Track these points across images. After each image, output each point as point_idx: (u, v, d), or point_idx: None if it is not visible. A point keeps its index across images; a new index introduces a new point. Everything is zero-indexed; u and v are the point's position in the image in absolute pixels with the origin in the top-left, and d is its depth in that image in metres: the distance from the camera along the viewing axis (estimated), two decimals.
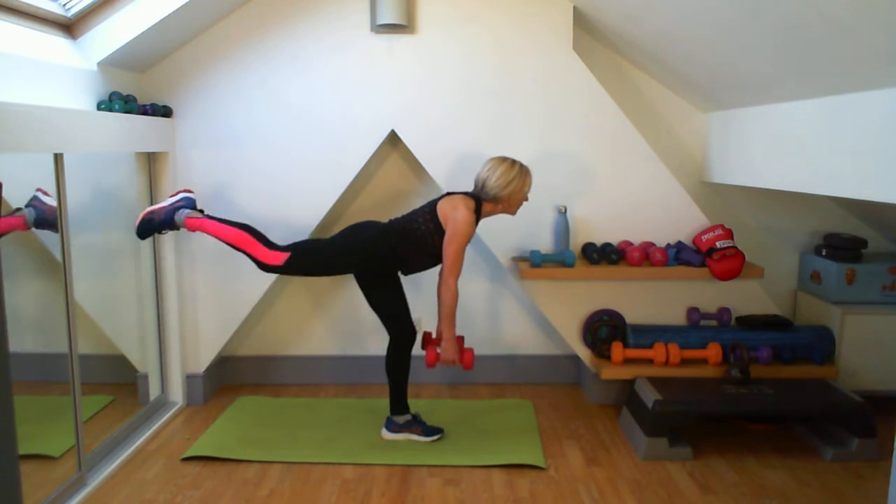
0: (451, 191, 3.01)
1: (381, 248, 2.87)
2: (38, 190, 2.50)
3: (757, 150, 3.07)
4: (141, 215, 2.90)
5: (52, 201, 2.50)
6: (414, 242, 2.86)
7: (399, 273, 2.98)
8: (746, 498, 2.58)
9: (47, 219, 2.51)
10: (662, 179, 3.40)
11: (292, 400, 3.54)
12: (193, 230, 2.90)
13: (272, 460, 2.87)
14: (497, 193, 2.85)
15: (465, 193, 2.90)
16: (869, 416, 2.87)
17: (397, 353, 3.02)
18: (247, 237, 2.86)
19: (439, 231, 2.83)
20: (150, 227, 2.90)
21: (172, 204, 2.93)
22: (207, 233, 2.88)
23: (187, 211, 2.91)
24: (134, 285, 3.32)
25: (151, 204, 3.27)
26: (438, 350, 2.93)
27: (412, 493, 2.63)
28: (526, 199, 2.95)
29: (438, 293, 2.90)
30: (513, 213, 2.97)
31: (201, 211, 2.96)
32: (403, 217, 2.95)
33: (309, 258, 2.91)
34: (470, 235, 2.82)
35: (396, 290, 2.98)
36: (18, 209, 2.46)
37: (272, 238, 2.95)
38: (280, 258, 2.85)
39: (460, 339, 3.01)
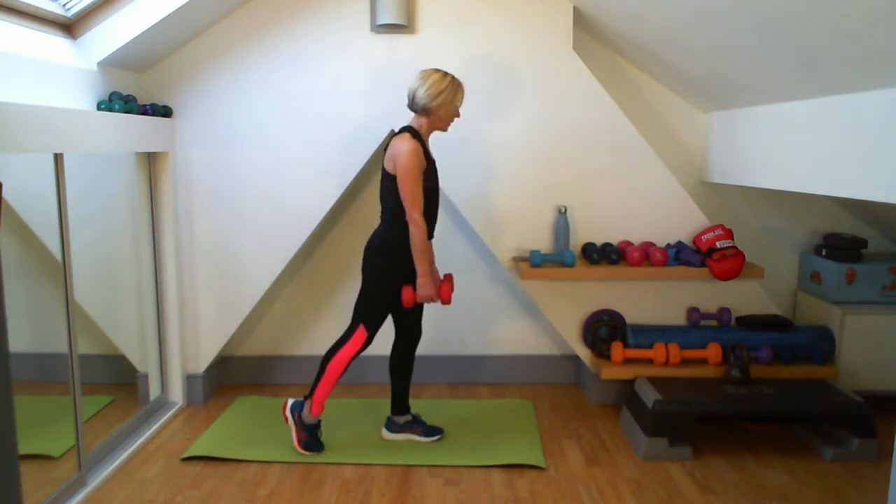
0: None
1: (396, 246, 2.79)
2: None
3: (757, 150, 3.07)
4: (303, 451, 2.91)
5: None
6: (399, 211, 2.75)
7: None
8: (746, 498, 2.58)
9: None
10: (662, 179, 3.40)
11: None
12: (322, 406, 2.90)
13: (272, 460, 2.87)
14: (426, 104, 2.73)
15: (398, 131, 2.81)
16: (869, 416, 2.87)
17: (403, 354, 3.02)
18: (335, 360, 2.86)
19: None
20: (312, 444, 2.92)
21: (296, 422, 2.93)
22: (326, 395, 2.89)
23: (301, 405, 2.93)
24: (134, 285, 3.32)
25: (151, 204, 3.27)
26: (416, 289, 2.81)
27: (412, 493, 2.63)
28: (457, 115, 2.84)
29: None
30: (444, 128, 2.85)
31: (305, 396, 2.94)
32: (381, 204, 2.87)
33: (370, 310, 2.86)
34: (419, 163, 2.69)
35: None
36: None
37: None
38: (361, 335, 2.85)
39: (447, 277, 2.92)
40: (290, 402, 2.96)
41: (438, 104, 2.74)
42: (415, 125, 2.80)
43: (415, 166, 2.68)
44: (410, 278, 2.79)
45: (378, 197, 2.87)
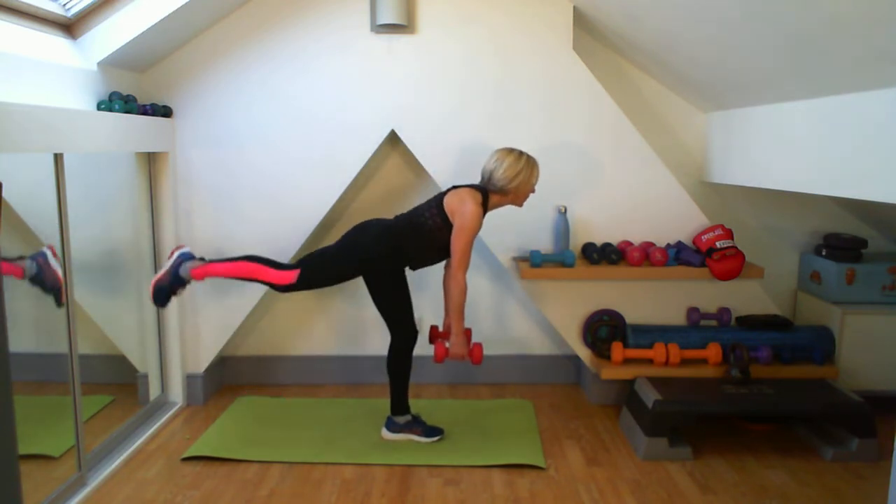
0: (457, 184, 3.00)
1: (389, 244, 2.86)
2: (49, 247, 2.50)
3: (757, 150, 3.07)
4: (150, 287, 2.91)
5: (57, 266, 2.50)
6: (421, 237, 2.86)
7: (406, 269, 2.97)
8: (746, 498, 2.58)
9: (46, 282, 2.50)
10: (662, 179, 3.40)
11: (292, 400, 3.54)
12: (202, 279, 2.91)
13: (272, 460, 2.87)
14: (504, 185, 2.84)
15: (472, 186, 2.89)
16: (869, 416, 2.87)
17: (399, 354, 3.02)
18: (254, 266, 2.87)
19: (447, 225, 2.83)
20: (163, 293, 2.91)
21: (172, 264, 2.93)
22: (216, 275, 2.90)
23: (189, 263, 2.92)
24: (134, 285, 3.32)
25: (151, 204, 3.27)
26: (447, 345, 2.92)
27: (412, 493, 2.63)
28: (533, 191, 2.95)
29: (445, 287, 2.90)
30: (520, 204, 2.96)
31: (202, 259, 2.96)
32: (409, 212, 2.95)
33: (320, 268, 2.90)
34: (478, 228, 2.81)
35: (402, 289, 2.97)
36: (21, 258, 2.46)
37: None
38: (291, 276, 2.85)
39: (468, 333, 3.01)
40: (186, 250, 2.97)
41: (516, 185, 2.84)
42: (489, 194, 2.88)
43: (473, 229, 2.79)
44: (393, 277, 2.89)
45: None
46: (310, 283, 2.91)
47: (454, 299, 2.84)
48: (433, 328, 3.13)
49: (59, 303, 2.53)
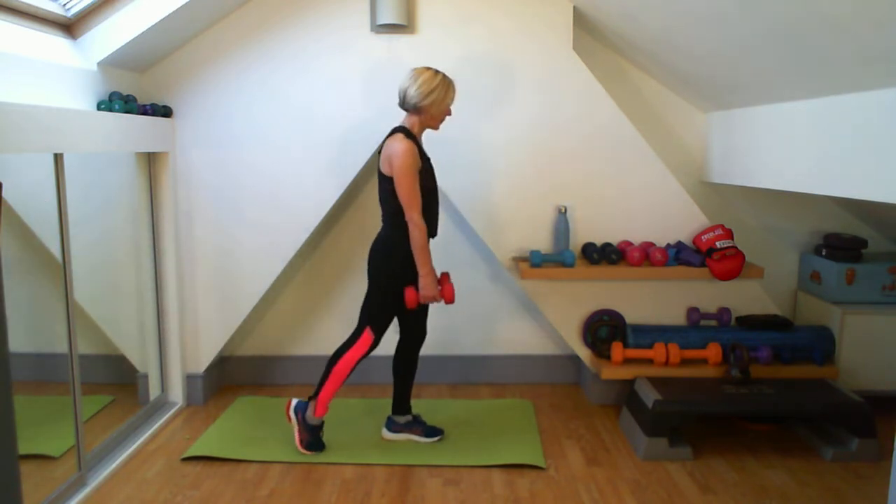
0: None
1: (399, 246, 2.77)
2: None
3: (757, 150, 3.07)
4: (302, 450, 2.91)
5: None
6: (399, 213, 2.74)
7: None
8: (746, 498, 2.58)
9: None
10: (662, 179, 3.40)
11: None
12: (326, 408, 2.89)
13: (272, 460, 2.87)
14: (417, 102, 2.72)
15: (390, 132, 2.80)
16: (869, 416, 2.87)
17: (408, 353, 3.02)
18: (341, 362, 2.86)
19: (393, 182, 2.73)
20: (313, 443, 2.92)
21: (299, 422, 2.92)
22: (330, 397, 2.88)
23: (304, 405, 2.92)
24: (134, 285, 3.32)
25: (151, 204, 3.27)
26: (419, 290, 2.80)
27: (412, 493, 2.63)
28: (449, 114, 2.84)
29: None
30: (436, 127, 2.85)
31: (310, 397, 2.93)
32: (381, 207, 2.86)
33: (379, 312, 2.85)
34: (414, 162, 2.67)
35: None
36: None
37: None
38: (368, 338, 2.84)
39: (445, 276, 2.92)
40: (294, 402, 2.95)
41: (430, 102, 2.73)
42: (406, 124, 2.78)
43: (411, 165, 2.67)
44: (413, 279, 2.78)
45: (377, 198, 2.86)
46: (382, 328, 2.87)
47: (415, 240, 2.71)
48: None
49: None
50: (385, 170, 2.73)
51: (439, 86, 2.73)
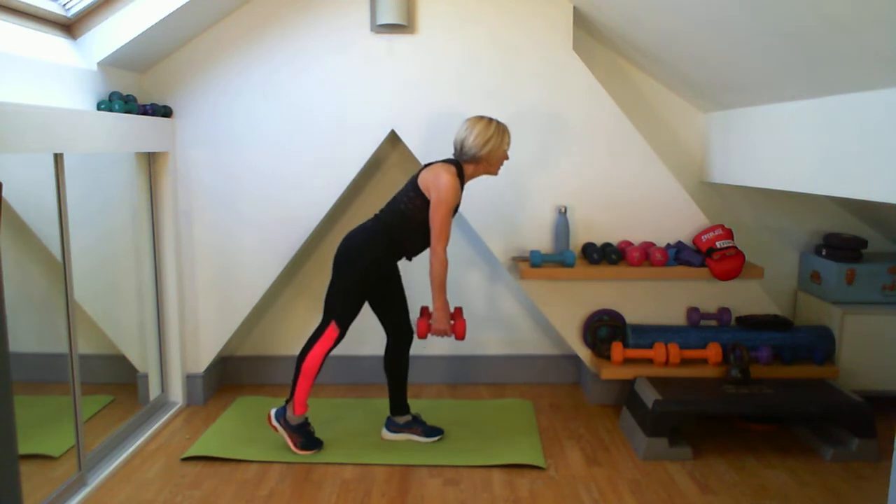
0: (429, 161, 2.96)
1: (381, 241, 2.83)
2: None
3: (757, 150, 3.07)
4: (297, 452, 2.90)
5: None
6: (406, 224, 2.81)
7: (405, 260, 2.93)
8: (746, 498, 2.58)
9: None
10: (662, 179, 3.40)
11: None
12: (305, 406, 2.89)
13: (272, 460, 2.87)
14: (476, 153, 2.78)
15: (445, 160, 2.85)
16: (869, 416, 2.87)
17: (396, 353, 3.02)
18: (309, 358, 2.86)
19: (425, 203, 2.77)
20: (307, 442, 2.92)
21: (284, 428, 2.92)
22: (305, 395, 2.88)
23: (285, 413, 2.92)
24: (134, 285, 3.32)
25: (151, 204, 3.27)
26: (431, 321, 2.87)
27: (412, 493, 2.63)
28: (506, 158, 2.89)
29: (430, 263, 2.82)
30: (494, 172, 2.90)
31: (286, 401, 2.94)
32: (388, 204, 2.90)
33: (342, 304, 2.86)
34: (455, 200, 2.76)
35: (396, 290, 2.98)
36: None
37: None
38: (333, 331, 2.85)
39: (458, 311, 2.96)
40: (273, 411, 2.96)
41: (487, 151, 2.80)
42: (463, 165, 2.84)
43: (450, 201, 2.73)
44: (387, 276, 2.85)
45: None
46: (347, 321, 2.87)
47: (434, 273, 2.77)
48: (423, 308, 3.09)
49: None
50: (422, 186, 2.78)
51: (494, 134, 2.80)
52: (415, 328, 2.99)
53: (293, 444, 2.91)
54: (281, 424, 2.92)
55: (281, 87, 3.32)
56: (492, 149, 2.80)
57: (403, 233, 2.83)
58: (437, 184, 2.73)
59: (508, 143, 2.86)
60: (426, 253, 2.87)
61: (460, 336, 2.89)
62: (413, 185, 2.81)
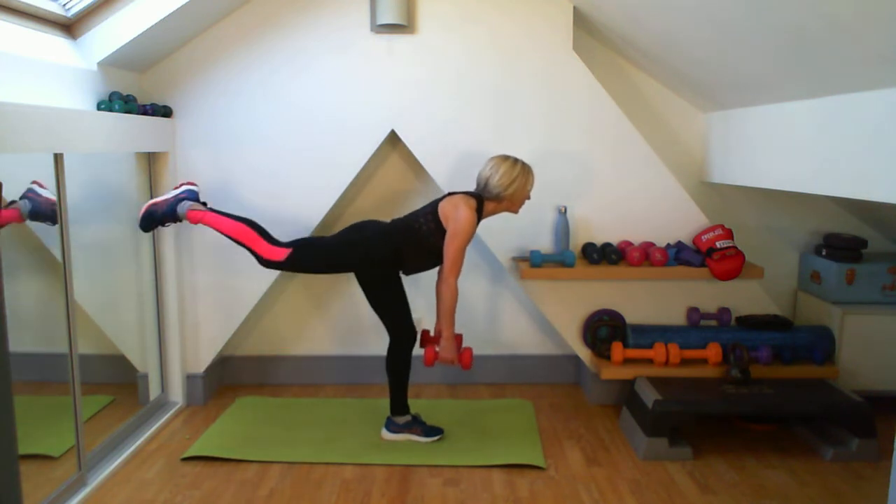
0: (452, 191, 3.01)
1: (383, 247, 2.88)
2: (34, 182, 2.49)
3: (757, 150, 3.07)
4: (144, 208, 2.93)
5: (48, 193, 2.49)
6: (416, 242, 2.87)
7: (400, 273, 2.97)
8: (746, 498, 2.58)
9: (43, 210, 2.50)
10: (662, 179, 3.40)
11: (292, 400, 3.54)
12: (195, 223, 2.92)
13: (272, 460, 2.87)
14: (500, 192, 2.85)
15: (467, 193, 2.90)
16: (869, 416, 2.87)
17: (397, 354, 3.02)
18: (249, 231, 2.88)
19: (440, 230, 2.84)
20: (153, 219, 2.93)
21: (175, 196, 2.95)
22: (209, 225, 2.90)
23: (190, 203, 2.93)
24: (134, 285, 3.32)
25: None
26: (437, 349, 2.92)
27: (412, 493, 2.63)
28: (528, 198, 2.95)
29: (438, 291, 2.90)
30: (515, 211, 2.97)
31: (204, 204, 2.96)
32: (405, 217, 2.96)
33: (311, 255, 2.92)
34: (471, 234, 2.83)
35: (398, 290, 2.98)
36: (13, 202, 2.45)
37: (274, 235, 2.95)
38: (282, 254, 2.86)
39: (459, 338, 3.01)
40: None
41: (512, 192, 2.85)
42: (484, 201, 2.90)
43: (466, 234, 2.80)
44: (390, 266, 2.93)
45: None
46: (295, 267, 2.92)
47: (445, 303, 2.85)
48: (425, 332, 3.13)
49: (54, 222, 2.51)
50: (441, 216, 2.84)
51: (519, 175, 2.86)
52: (418, 328, 3.02)
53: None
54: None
55: (281, 88, 3.32)
56: (516, 190, 2.86)
57: (409, 248, 2.89)
58: (455, 216, 2.79)
59: (532, 185, 2.92)
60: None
61: (467, 366, 2.93)
62: (433, 209, 2.88)
